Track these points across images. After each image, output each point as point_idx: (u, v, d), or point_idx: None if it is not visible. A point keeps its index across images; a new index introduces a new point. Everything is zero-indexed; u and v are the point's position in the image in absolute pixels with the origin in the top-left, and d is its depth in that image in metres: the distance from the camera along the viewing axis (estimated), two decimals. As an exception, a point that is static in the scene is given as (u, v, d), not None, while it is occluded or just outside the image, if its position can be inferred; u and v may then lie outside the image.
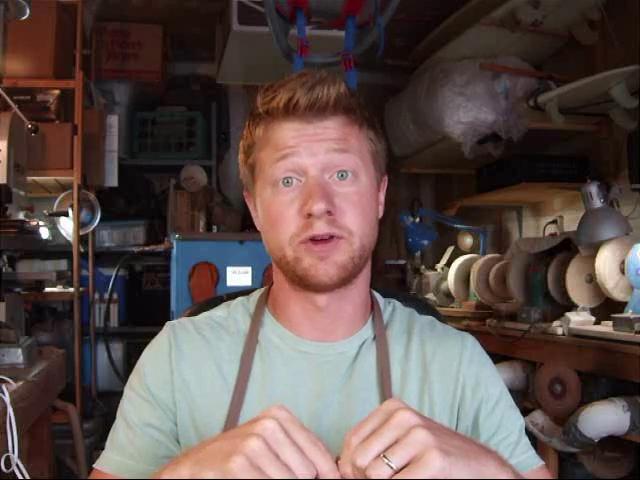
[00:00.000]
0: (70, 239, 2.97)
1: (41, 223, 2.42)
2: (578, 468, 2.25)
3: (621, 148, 2.54)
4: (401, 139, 3.37)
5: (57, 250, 3.11)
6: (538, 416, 2.14)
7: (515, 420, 0.88)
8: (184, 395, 0.85)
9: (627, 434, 1.86)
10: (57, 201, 3.04)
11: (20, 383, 1.52)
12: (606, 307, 2.32)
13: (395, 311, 0.94)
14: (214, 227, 3.47)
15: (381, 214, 0.91)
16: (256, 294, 0.95)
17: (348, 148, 0.83)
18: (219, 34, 3.32)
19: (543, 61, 3.03)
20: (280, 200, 0.82)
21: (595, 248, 2.22)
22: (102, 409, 3.19)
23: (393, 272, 3.80)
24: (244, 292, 0.99)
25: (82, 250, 3.03)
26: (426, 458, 0.57)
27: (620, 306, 2.15)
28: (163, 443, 0.83)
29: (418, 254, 3.70)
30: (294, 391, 0.84)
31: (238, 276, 2.69)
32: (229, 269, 2.69)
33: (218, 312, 0.94)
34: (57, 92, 2.95)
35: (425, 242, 3.51)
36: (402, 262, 3.81)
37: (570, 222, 2.68)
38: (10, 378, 1.48)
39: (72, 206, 2.89)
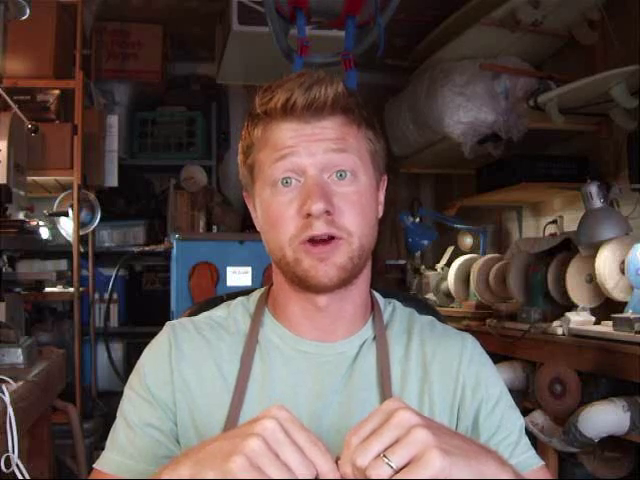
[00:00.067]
0: (70, 239, 2.97)
1: (41, 223, 2.42)
2: (578, 468, 2.25)
3: (621, 148, 2.54)
4: (401, 139, 3.37)
5: (57, 250, 3.11)
6: (538, 416, 2.14)
7: (515, 420, 0.88)
8: (184, 395, 0.84)
9: (627, 434, 1.86)
10: (57, 201, 3.04)
11: (20, 383, 1.52)
12: (606, 307, 2.32)
13: (395, 311, 0.94)
14: (214, 227, 3.47)
15: (381, 214, 0.90)
16: (256, 294, 0.95)
17: (347, 148, 0.83)
18: (219, 34, 3.32)
19: (543, 61, 3.03)
20: (279, 200, 0.82)
21: (595, 248, 2.22)
22: (102, 409, 3.19)
23: (393, 272, 3.81)
24: (244, 292, 0.99)
25: (82, 250, 3.03)
26: (426, 458, 0.57)
27: (620, 306, 2.15)
28: (163, 443, 0.83)
29: (418, 254, 3.70)
30: (294, 391, 0.84)
31: (238, 276, 2.69)
32: (229, 269, 2.69)
33: (218, 312, 0.94)
34: (57, 92, 2.95)
35: (425, 242, 3.51)
36: (402, 262, 3.81)
37: (570, 222, 2.68)
38: (10, 378, 1.47)
39: (72, 206, 2.88)
